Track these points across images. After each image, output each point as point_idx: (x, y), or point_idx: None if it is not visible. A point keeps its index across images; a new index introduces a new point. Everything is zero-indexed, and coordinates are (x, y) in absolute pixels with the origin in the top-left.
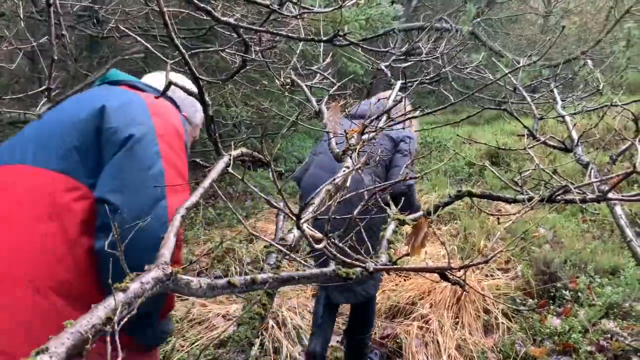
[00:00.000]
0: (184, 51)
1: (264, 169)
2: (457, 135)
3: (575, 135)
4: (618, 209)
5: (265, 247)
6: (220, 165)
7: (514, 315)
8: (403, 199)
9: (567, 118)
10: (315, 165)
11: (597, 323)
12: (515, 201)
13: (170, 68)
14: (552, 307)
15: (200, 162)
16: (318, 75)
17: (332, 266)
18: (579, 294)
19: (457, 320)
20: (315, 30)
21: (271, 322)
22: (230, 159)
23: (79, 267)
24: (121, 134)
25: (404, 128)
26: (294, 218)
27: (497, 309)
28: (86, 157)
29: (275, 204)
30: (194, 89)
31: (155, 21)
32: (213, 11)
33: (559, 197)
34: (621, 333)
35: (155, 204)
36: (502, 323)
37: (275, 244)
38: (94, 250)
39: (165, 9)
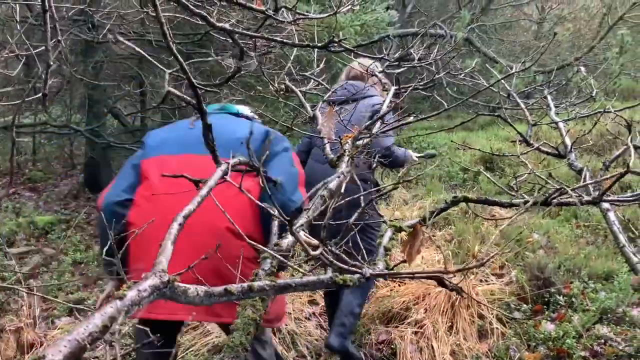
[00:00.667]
0: (181, 60)
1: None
2: (451, 141)
3: (568, 142)
4: (611, 215)
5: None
6: (218, 174)
7: (508, 320)
8: (389, 160)
9: (561, 124)
10: (312, 158)
11: (591, 328)
12: (511, 205)
13: (168, 76)
14: (546, 312)
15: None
16: (312, 81)
17: (329, 273)
18: (573, 299)
19: (452, 325)
20: (311, 36)
21: None
22: (228, 167)
23: (255, 222)
24: (279, 147)
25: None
26: (287, 224)
27: (492, 314)
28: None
29: (270, 210)
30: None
31: (151, 26)
32: (208, 17)
33: (554, 200)
34: (615, 338)
35: (296, 188)
36: (497, 328)
37: (269, 251)
38: (263, 211)
39: (162, 18)
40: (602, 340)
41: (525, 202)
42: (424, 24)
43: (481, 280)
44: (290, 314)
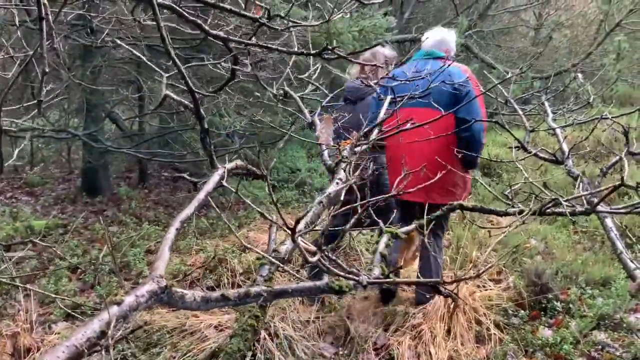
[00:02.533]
0: (180, 65)
1: (254, 179)
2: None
3: (566, 148)
4: (609, 222)
5: (257, 258)
6: (215, 178)
7: (505, 326)
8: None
9: (558, 130)
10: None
11: (589, 334)
12: (506, 214)
13: (166, 81)
14: (543, 318)
15: (187, 177)
16: (310, 85)
17: (325, 279)
18: (570, 305)
19: (450, 330)
20: (310, 40)
21: (263, 334)
22: (225, 172)
23: (452, 153)
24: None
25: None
26: (289, 232)
27: (490, 320)
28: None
29: (269, 216)
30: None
31: (149, 31)
32: (203, 24)
33: (549, 210)
34: (612, 344)
35: (482, 125)
36: (494, 334)
37: (268, 257)
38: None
39: (161, 22)
40: (600, 347)
41: (520, 212)
42: (422, 30)
43: (479, 286)
44: (288, 319)
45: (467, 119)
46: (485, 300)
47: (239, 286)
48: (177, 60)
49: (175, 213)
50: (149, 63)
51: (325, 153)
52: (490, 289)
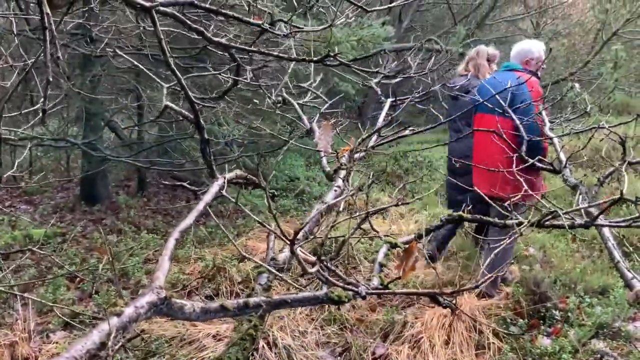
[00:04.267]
0: (179, 75)
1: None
2: (447, 156)
3: (563, 157)
4: (606, 231)
5: (255, 267)
6: (214, 188)
7: (504, 335)
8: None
9: (556, 140)
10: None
11: (587, 343)
12: (505, 226)
13: (166, 90)
14: (542, 327)
15: (187, 186)
16: (310, 93)
17: (324, 289)
18: (569, 313)
19: (448, 339)
20: (308, 50)
21: (262, 343)
22: (224, 182)
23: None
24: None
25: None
26: (288, 242)
27: (489, 329)
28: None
29: (267, 225)
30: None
31: (148, 40)
32: (205, 32)
33: (548, 223)
34: (611, 353)
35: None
36: (493, 343)
37: (266, 266)
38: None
39: (161, 34)
40: (599, 355)
41: (519, 224)
42: (420, 39)
43: (478, 295)
44: (286, 328)
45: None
46: (485, 309)
47: (238, 295)
48: (176, 71)
49: (174, 222)
50: (148, 72)
51: (324, 160)
52: (489, 298)
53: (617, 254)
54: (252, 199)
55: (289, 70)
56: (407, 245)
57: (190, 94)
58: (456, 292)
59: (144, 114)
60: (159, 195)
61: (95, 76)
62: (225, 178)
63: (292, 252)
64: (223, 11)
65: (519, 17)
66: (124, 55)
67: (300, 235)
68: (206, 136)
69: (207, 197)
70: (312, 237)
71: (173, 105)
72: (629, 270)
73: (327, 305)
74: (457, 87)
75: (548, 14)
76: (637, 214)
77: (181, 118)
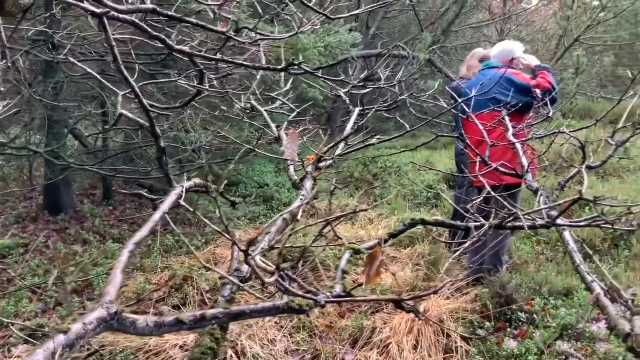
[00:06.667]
0: (133, 83)
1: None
2: (412, 162)
3: (525, 162)
4: (567, 234)
5: (219, 277)
6: (171, 197)
7: (472, 337)
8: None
9: (518, 145)
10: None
11: (552, 344)
12: (467, 228)
13: (121, 99)
14: (508, 329)
15: (145, 194)
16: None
17: (285, 298)
18: (534, 315)
19: (417, 344)
20: (276, 56)
21: (230, 352)
22: (182, 191)
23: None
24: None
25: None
26: (242, 253)
27: (456, 332)
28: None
29: (227, 235)
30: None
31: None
32: (167, 39)
33: (509, 224)
34: (575, 354)
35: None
36: (461, 346)
37: (228, 276)
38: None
39: (113, 41)
40: (563, 357)
41: (480, 226)
42: (387, 45)
43: (448, 297)
44: (255, 336)
45: (521, 95)
46: (452, 312)
47: (206, 304)
48: (129, 78)
49: (132, 234)
50: (103, 80)
51: (291, 168)
52: (456, 300)
53: (577, 257)
54: (222, 207)
55: (257, 78)
56: (370, 251)
57: (144, 101)
58: (416, 297)
59: (108, 121)
60: (125, 204)
61: (57, 83)
62: (183, 187)
63: (247, 262)
64: (186, 18)
65: (484, 24)
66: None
67: (264, 244)
68: (162, 144)
69: (164, 207)
70: (271, 246)
71: (128, 113)
72: (588, 274)
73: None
74: (452, 89)
75: (512, 21)
76: (596, 214)
77: (146, 125)
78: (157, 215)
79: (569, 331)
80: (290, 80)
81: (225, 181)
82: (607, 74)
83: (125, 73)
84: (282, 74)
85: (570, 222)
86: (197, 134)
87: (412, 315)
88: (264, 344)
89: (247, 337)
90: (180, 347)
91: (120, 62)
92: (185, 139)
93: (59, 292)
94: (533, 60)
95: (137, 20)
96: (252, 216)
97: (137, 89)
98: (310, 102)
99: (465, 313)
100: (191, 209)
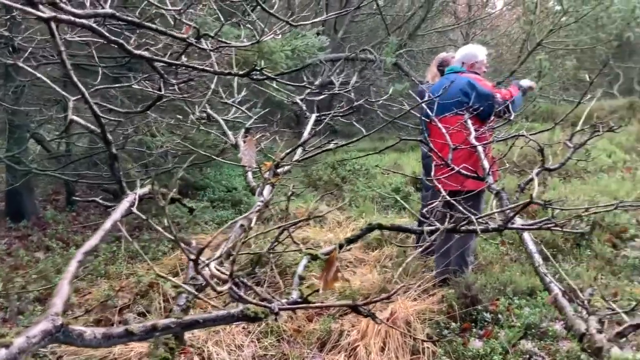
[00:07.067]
0: (83, 89)
1: (189, 199)
2: (376, 166)
3: (486, 165)
4: (526, 236)
5: (174, 286)
6: (124, 205)
7: (438, 338)
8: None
9: (479, 148)
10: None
11: (517, 344)
12: (421, 232)
13: (72, 105)
14: (474, 329)
15: (99, 201)
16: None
17: (240, 306)
18: (499, 315)
19: (384, 346)
20: (243, 59)
21: (196, 358)
22: (135, 199)
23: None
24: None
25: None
26: (192, 262)
27: (423, 333)
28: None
29: (182, 245)
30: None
31: (74, 50)
32: (125, 44)
33: (463, 228)
34: (539, 353)
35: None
36: (428, 347)
37: (183, 285)
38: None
39: (62, 48)
40: (527, 356)
41: (435, 230)
42: (355, 49)
43: (415, 299)
44: (222, 342)
45: (482, 100)
46: (419, 313)
47: (171, 311)
48: (79, 84)
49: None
50: (53, 85)
51: (250, 174)
52: (424, 302)
53: (537, 258)
54: (186, 212)
55: (214, 83)
56: (328, 256)
57: (95, 108)
58: (369, 302)
59: (72, 126)
60: (90, 210)
61: (18, 87)
62: (136, 194)
63: (197, 271)
64: (145, 24)
65: (450, 28)
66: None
67: (222, 250)
68: (114, 151)
69: (116, 215)
70: (228, 253)
71: (79, 120)
72: (546, 275)
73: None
74: (419, 93)
75: (477, 25)
76: (547, 217)
77: (110, 129)
78: (108, 224)
79: (533, 330)
80: (243, 91)
81: (175, 189)
82: (570, 78)
83: (75, 79)
84: (241, 80)
85: (522, 225)
86: (164, 138)
87: (383, 317)
88: (231, 350)
89: (214, 343)
90: (147, 355)
91: (70, 68)
92: (151, 143)
93: (26, 299)
94: (526, 83)
95: (94, 25)
96: (220, 221)
97: (87, 95)
98: (276, 106)
99: (432, 314)
100: (144, 217)
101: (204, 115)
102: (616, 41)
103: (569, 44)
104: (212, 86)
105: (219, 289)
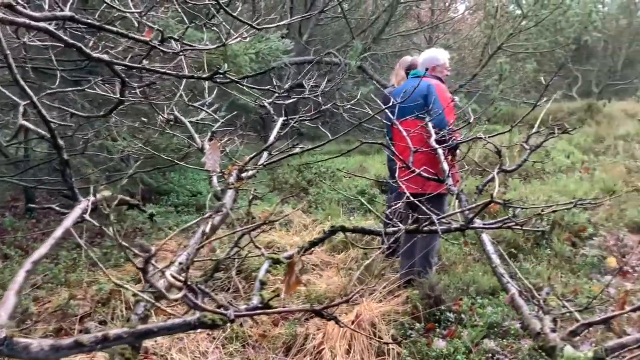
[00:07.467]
0: (31, 94)
1: (153, 204)
2: (338, 169)
3: (446, 167)
4: (484, 236)
5: (133, 295)
6: (76, 212)
7: (403, 339)
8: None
9: (440, 150)
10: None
11: (480, 343)
12: (386, 234)
13: (22, 109)
14: (438, 329)
15: (55, 207)
16: (207, 107)
17: (197, 314)
18: (462, 315)
19: (350, 348)
20: (207, 63)
21: None
22: (88, 206)
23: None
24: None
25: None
26: (141, 271)
27: (388, 335)
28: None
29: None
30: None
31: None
32: (83, 47)
33: (425, 228)
34: (501, 352)
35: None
36: (393, 349)
37: (140, 294)
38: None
39: (7, 52)
40: (490, 354)
41: (397, 231)
42: (320, 53)
43: (380, 301)
44: (186, 349)
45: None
46: (385, 315)
47: (129, 320)
48: (26, 89)
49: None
50: (2, 89)
51: (214, 179)
52: (389, 304)
53: (495, 259)
54: (146, 217)
55: (182, 87)
56: (289, 260)
57: (44, 113)
58: (329, 306)
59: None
60: (50, 216)
61: None
62: (89, 201)
63: (145, 280)
64: (106, 27)
65: (413, 32)
66: None
67: (182, 258)
68: (66, 157)
69: (67, 223)
70: (191, 260)
71: (29, 125)
72: (502, 276)
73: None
74: (384, 96)
75: (440, 29)
76: (507, 217)
77: (69, 134)
78: (58, 232)
79: (495, 329)
80: (215, 92)
81: (120, 196)
82: (530, 80)
83: (22, 83)
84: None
85: (484, 224)
86: (125, 142)
87: (344, 320)
88: (195, 356)
89: (178, 350)
90: None
91: (16, 72)
92: (113, 147)
93: None
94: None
95: (50, 28)
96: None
97: (35, 99)
98: (242, 110)
99: (397, 315)
100: (97, 224)
101: (172, 117)
102: (574, 44)
103: (528, 48)
104: (181, 89)
105: (171, 297)
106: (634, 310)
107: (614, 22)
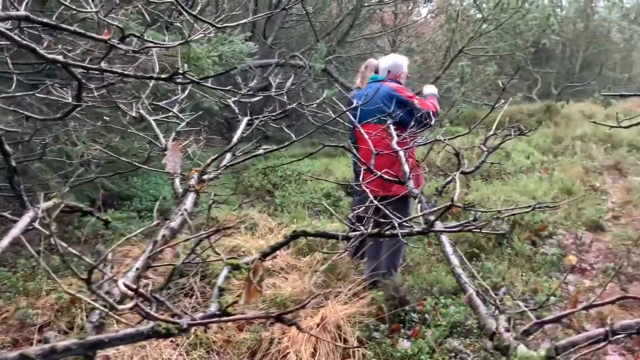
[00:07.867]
0: None
1: (115, 209)
2: (301, 173)
3: (407, 169)
4: (444, 238)
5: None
6: (24, 220)
7: (368, 341)
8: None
9: (401, 153)
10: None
11: (444, 342)
12: (347, 238)
13: None
14: (402, 330)
15: (9, 216)
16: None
17: (150, 323)
18: (426, 315)
19: (315, 351)
20: (170, 64)
21: None
22: (37, 214)
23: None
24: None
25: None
26: (84, 282)
27: (354, 336)
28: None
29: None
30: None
31: None
32: (38, 49)
33: (387, 232)
34: (464, 350)
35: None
36: (358, 350)
37: (94, 303)
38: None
39: None
40: (454, 353)
41: (361, 235)
42: (285, 55)
43: (345, 303)
44: (148, 357)
45: (406, 113)
46: (350, 317)
47: (82, 329)
48: None
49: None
50: None
51: (177, 181)
52: (354, 306)
53: (453, 259)
54: (112, 222)
55: (149, 88)
56: (250, 266)
57: None
58: (286, 312)
59: None
60: (7, 224)
61: None
62: (38, 209)
63: (90, 290)
64: (63, 26)
65: (377, 35)
66: None
67: (139, 264)
68: (13, 164)
69: (15, 232)
70: (148, 266)
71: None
72: (460, 276)
73: (193, 329)
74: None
75: (403, 32)
76: (468, 220)
77: (26, 139)
78: (5, 241)
79: (459, 328)
80: (187, 90)
81: (62, 202)
82: (491, 83)
83: None
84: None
85: (445, 227)
86: (85, 146)
87: (310, 323)
88: None
89: (140, 358)
90: None
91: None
92: (72, 152)
93: None
94: (431, 90)
95: (3, 29)
96: (148, 231)
97: None
98: (206, 112)
99: (362, 317)
100: (46, 232)
101: (138, 115)
102: (533, 47)
103: (489, 51)
104: (147, 92)
105: (120, 307)
106: (585, 309)
107: (571, 26)
